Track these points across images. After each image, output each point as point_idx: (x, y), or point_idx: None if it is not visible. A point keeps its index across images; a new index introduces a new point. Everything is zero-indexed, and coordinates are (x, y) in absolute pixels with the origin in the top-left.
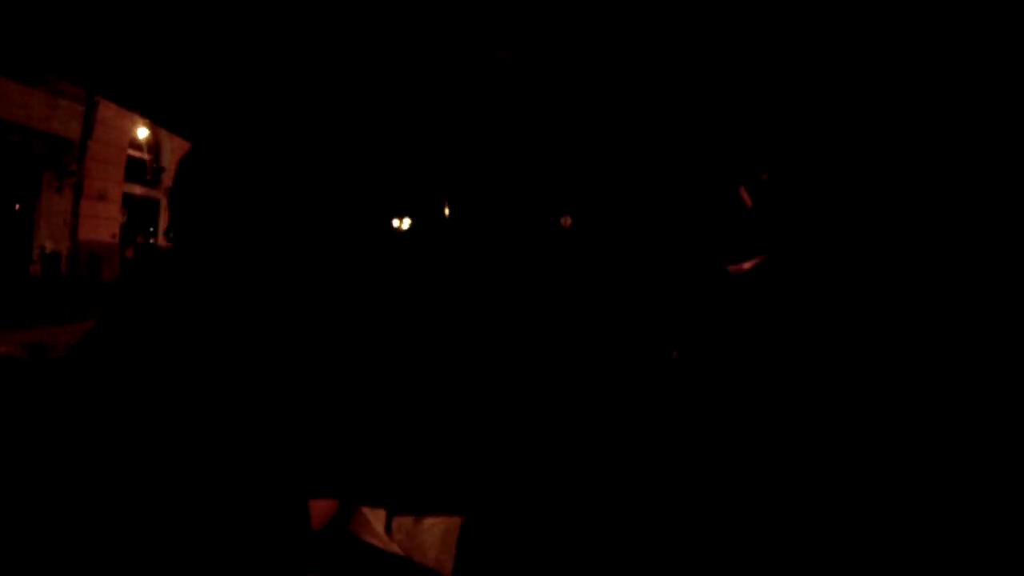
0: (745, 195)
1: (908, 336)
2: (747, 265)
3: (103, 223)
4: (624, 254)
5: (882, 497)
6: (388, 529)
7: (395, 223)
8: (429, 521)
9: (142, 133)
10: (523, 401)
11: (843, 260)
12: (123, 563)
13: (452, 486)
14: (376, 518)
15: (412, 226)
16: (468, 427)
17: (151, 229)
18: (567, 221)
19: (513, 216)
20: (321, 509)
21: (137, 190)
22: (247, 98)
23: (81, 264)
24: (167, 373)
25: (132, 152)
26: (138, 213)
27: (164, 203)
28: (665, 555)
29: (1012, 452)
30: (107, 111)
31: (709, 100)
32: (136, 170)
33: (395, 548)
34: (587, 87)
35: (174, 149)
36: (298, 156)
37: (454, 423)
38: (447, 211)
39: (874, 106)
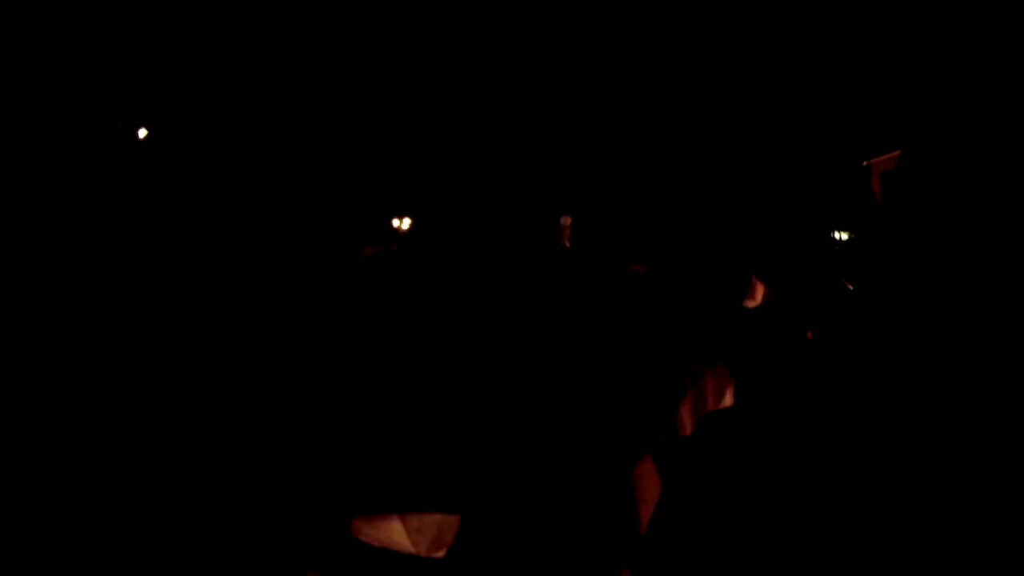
0: (876, 187)
1: None
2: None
3: None
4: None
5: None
6: (395, 526)
7: (395, 223)
8: (430, 518)
9: None
10: (524, 401)
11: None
12: (124, 562)
13: (451, 484)
14: (380, 517)
15: (412, 227)
16: (469, 426)
17: None
18: (567, 221)
19: (515, 216)
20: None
21: None
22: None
23: None
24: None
25: None
26: None
27: None
28: (664, 555)
29: None
30: None
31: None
32: None
33: (396, 546)
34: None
35: None
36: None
37: (455, 423)
38: (447, 213)
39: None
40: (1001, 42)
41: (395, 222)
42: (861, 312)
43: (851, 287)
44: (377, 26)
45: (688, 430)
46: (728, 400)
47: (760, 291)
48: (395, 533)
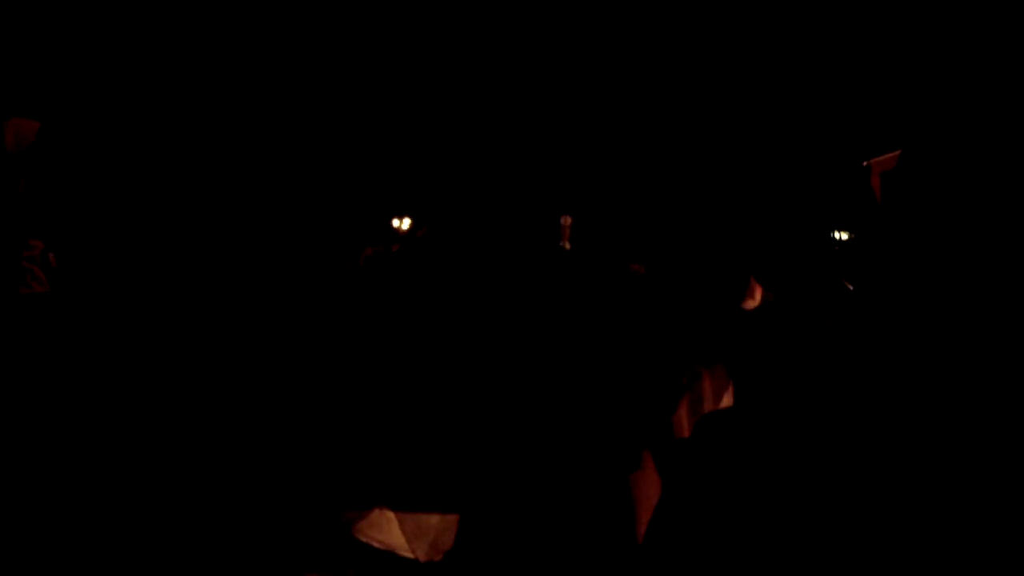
0: (876, 186)
1: None
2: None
3: None
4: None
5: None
6: (393, 528)
7: (395, 223)
8: (432, 518)
9: None
10: (522, 402)
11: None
12: (124, 561)
13: (452, 483)
14: (382, 517)
15: (412, 227)
16: (467, 427)
17: None
18: (567, 221)
19: (512, 216)
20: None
21: None
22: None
23: None
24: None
25: None
26: None
27: None
28: (663, 554)
29: None
30: None
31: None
32: None
33: (395, 549)
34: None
35: None
36: (299, 157)
37: (453, 424)
38: (447, 212)
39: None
40: (1001, 42)
41: (395, 222)
42: (861, 312)
43: (851, 287)
44: (377, 26)
45: (686, 431)
46: (727, 401)
47: (759, 291)
48: (394, 536)
